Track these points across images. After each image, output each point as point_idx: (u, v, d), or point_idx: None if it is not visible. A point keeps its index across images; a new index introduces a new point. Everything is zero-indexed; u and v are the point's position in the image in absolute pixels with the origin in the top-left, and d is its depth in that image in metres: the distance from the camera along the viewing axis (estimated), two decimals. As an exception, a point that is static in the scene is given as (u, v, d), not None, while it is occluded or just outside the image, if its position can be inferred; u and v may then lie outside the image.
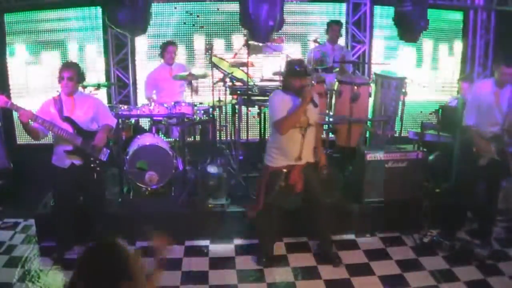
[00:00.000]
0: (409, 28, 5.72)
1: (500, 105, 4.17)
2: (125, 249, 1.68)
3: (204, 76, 5.26)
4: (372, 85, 5.55)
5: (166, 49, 5.51)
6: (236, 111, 5.33)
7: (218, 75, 5.32)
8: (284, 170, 3.83)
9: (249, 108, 5.64)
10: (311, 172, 3.96)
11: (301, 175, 3.87)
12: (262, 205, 3.90)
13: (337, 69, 5.59)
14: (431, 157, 5.21)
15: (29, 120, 3.72)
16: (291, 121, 3.69)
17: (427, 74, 6.87)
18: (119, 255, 1.65)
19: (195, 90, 5.54)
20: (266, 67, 6.41)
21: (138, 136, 5.07)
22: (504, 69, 4.06)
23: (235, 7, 6.13)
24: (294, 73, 3.75)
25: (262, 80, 5.71)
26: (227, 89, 5.24)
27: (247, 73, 5.02)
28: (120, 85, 6.38)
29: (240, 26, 5.78)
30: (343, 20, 6.45)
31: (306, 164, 3.89)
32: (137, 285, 1.64)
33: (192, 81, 5.12)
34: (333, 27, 5.94)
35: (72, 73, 3.90)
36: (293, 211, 4.34)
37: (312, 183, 3.96)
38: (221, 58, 5.51)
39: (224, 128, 5.54)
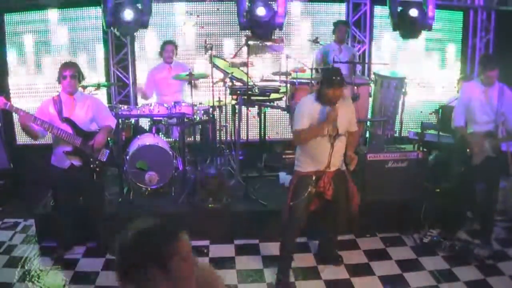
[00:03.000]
0: (411, 26, 5.75)
1: (491, 102, 4.24)
2: (182, 243, 1.59)
3: (204, 76, 5.26)
4: (372, 85, 5.55)
5: (164, 48, 5.54)
6: (236, 111, 5.33)
7: (218, 75, 5.33)
8: (313, 176, 3.75)
9: (249, 108, 5.64)
10: (340, 179, 3.87)
11: (331, 182, 3.79)
12: (288, 212, 3.79)
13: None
14: (431, 157, 5.22)
15: (30, 123, 3.72)
16: (308, 136, 3.63)
17: (427, 74, 6.87)
18: (170, 245, 1.56)
19: (194, 85, 5.54)
20: (266, 67, 6.41)
21: (138, 136, 5.07)
22: (489, 73, 4.19)
23: (235, 7, 6.15)
24: (329, 82, 3.60)
25: (262, 80, 5.71)
26: (227, 89, 5.24)
27: (247, 73, 5.02)
28: (120, 85, 6.38)
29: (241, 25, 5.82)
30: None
31: (337, 171, 3.82)
32: (169, 282, 1.54)
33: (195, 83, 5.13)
34: (340, 27, 5.93)
35: (74, 71, 3.92)
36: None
37: (340, 190, 3.87)
38: (221, 58, 5.51)
39: (224, 128, 5.54)
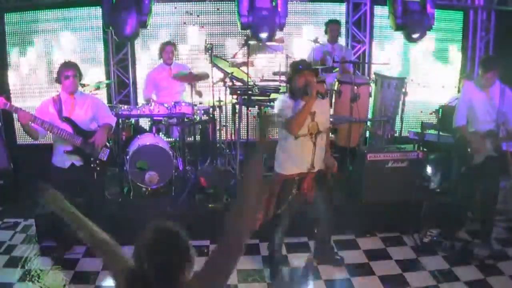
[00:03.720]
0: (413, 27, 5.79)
1: (492, 102, 4.25)
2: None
3: (204, 74, 5.25)
4: (372, 85, 5.55)
5: (164, 49, 5.52)
6: (236, 111, 5.33)
7: (218, 75, 5.33)
8: (297, 178, 3.73)
9: (249, 108, 5.64)
10: (321, 179, 3.85)
11: (313, 183, 3.77)
12: (273, 215, 3.78)
13: (337, 69, 5.59)
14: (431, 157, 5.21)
15: (29, 122, 3.72)
16: (300, 118, 3.54)
17: (427, 73, 6.87)
18: (184, 241, 1.66)
19: (198, 93, 5.57)
20: (266, 67, 6.41)
21: (138, 136, 5.07)
22: (486, 75, 4.20)
23: (235, 7, 6.16)
24: (297, 70, 3.64)
25: (262, 80, 5.72)
26: (227, 89, 5.24)
27: (247, 73, 5.03)
28: (120, 85, 6.37)
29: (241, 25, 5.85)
30: (343, 20, 6.45)
31: (318, 172, 3.80)
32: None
33: (196, 85, 5.13)
34: (331, 26, 5.94)
35: (76, 71, 3.92)
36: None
37: (322, 190, 3.86)
38: (221, 58, 5.51)
39: (224, 128, 5.53)
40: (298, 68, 3.66)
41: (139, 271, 1.61)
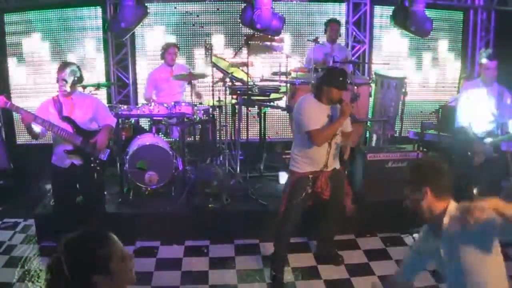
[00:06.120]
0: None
1: (491, 103, 4.29)
2: (115, 245, 1.63)
3: (203, 76, 5.26)
4: (372, 85, 5.54)
5: (167, 51, 5.51)
6: (236, 111, 5.33)
7: (218, 75, 5.33)
8: (310, 177, 3.75)
9: (249, 108, 5.64)
10: (337, 178, 3.89)
11: (328, 182, 3.79)
12: (283, 211, 3.82)
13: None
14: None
15: (31, 121, 3.72)
16: (329, 135, 3.61)
17: (427, 74, 6.87)
18: (105, 249, 1.60)
19: (197, 94, 5.57)
20: (266, 67, 6.41)
21: (138, 136, 5.07)
22: (487, 64, 4.23)
23: (235, 7, 6.16)
24: (338, 85, 3.58)
25: (262, 80, 5.71)
26: (227, 89, 5.24)
27: (247, 73, 5.02)
28: (120, 85, 6.38)
29: (240, 26, 5.84)
30: (343, 20, 6.44)
31: (333, 170, 3.83)
32: (112, 284, 1.59)
33: (195, 86, 5.13)
34: (331, 26, 5.93)
35: (65, 74, 3.81)
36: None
37: (337, 189, 3.89)
38: (221, 58, 5.51)
39: (224, 128, 5.54)
40: (338, 82, 3.59)
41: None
